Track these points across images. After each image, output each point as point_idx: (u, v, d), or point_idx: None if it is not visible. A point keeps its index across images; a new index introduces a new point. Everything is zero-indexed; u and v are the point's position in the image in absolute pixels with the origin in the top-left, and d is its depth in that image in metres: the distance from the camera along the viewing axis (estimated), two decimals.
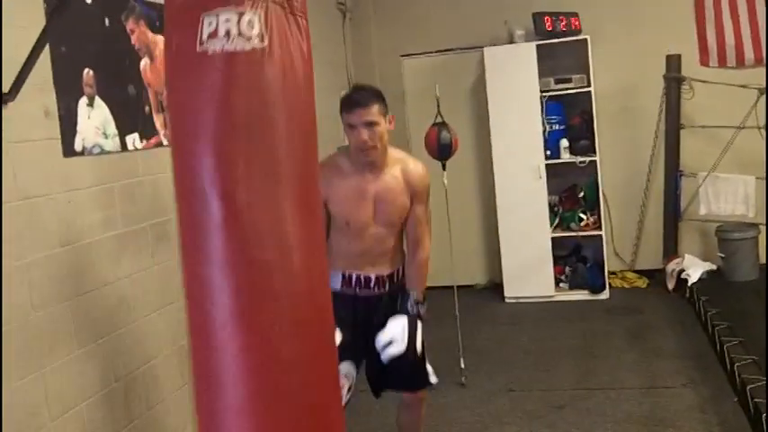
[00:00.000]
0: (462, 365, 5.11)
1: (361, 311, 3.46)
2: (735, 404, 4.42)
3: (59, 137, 3.41)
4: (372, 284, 3.45)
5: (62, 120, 3.42)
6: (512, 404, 4.81)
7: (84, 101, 3.56)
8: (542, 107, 6.98)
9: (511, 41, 7.09)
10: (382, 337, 3.18)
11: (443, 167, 5.23)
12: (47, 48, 3.20)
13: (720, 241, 6.71)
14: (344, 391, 3.22)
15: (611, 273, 7.28)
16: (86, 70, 3.59)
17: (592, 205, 7.18)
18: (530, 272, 7.09)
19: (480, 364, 5.36)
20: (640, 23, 7.07)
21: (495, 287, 7.47)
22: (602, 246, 7.10)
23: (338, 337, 2.76)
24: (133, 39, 3.98)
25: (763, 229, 6.55)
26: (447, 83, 7.40)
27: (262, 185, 2.02)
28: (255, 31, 2.01)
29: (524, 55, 6.92)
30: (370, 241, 3.33)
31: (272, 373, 2.03)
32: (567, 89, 6.98)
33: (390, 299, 3.47)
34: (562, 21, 6.87)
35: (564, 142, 7.05)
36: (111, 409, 3.66)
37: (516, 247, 7.11)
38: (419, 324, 3.31)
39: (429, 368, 3.56)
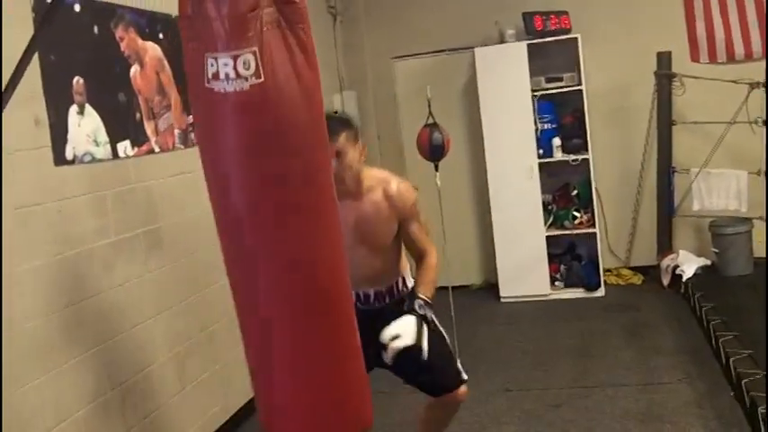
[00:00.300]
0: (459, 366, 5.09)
1: (366, 322, 3.43)
2: (731, 398, 4.42)
3: (50, 145, 3.41)
4: (372, 300, 3.46)
5: (52, 128, 3.42)
6: (509, 404, 4.81)
7: (74, 109, 3.56)
8: (534, 106, 6.98)
9: (501, 41, 7.09)
10: (387, 332, 3.12)
11: (436, 168, 5.23)
12: (36, 56, 3.20)
13: (714, 236, 6.73)
14: None
15: (606, 270, 7.28)
16: (76, 78, 3.59)
17: (585, 203, 7.18)
18: (525, 271, 7.09)
19: (477, 365, 5.35)
20: (630, 21, 7.08)
21: (491, 287, 7.47)
22: (596, 243, 7.10)
23: None
24: (123, 46, 3.98)
25: (756, 223, 6.56)
26: (438, 84, 7.41)
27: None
28: (252, 70, 2.18)
29: (515, 54, 6.92)
30: (359, 263, 3.28)
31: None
32: (558, 88, 6.98)
33: (396, 305, 3.43)
34: (552, 20, 6.88)
35: (556, 141, 7.05)
36: (107, 418, 3.66)
37: (511, 246, 7.11)
38: (425, 326, 3.24)
39: (459, 366, 3.56)
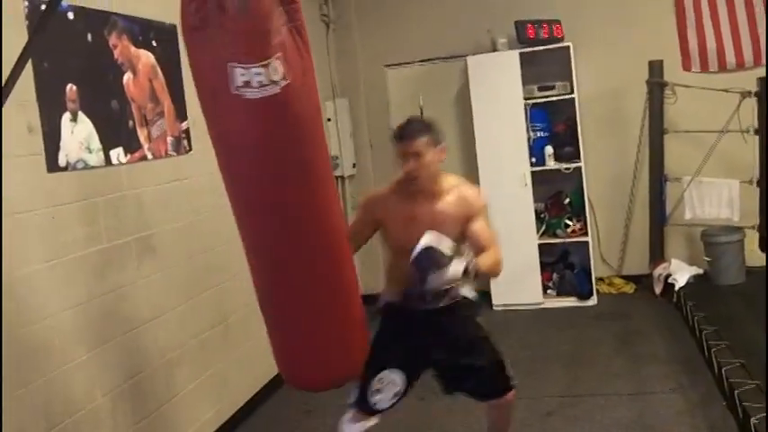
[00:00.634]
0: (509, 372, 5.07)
1: (422, 325, 3.55)
2: (723, 408, 4.43)
3: (43, 152, 3.40)
4: (429, 299, 3.50)
5: (46, 135, 3.41)
6: None
7: (67, 116, 3.55)
8: (526, 115, 7.00)
9: (494, 50, 7.11)
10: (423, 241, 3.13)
11: None
12: (29, 63, 3.20)
13: (706, 245, 6.74)
14: (390, 395, 3.47)
15: (598, 279, 7.29)
16: (69, 85, 3.58)
17: (578, 211, 7.19)
18: (517, 279, 7.08)
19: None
20: (623, 30, 7.10)
21: (483, 295, 7.46)
22: (588, 252, 7.11)
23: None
24: (116, 53, 3.98)
25: (748, 232, 6.58)
26: (431, 92, 7.43)
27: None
28: (280, 74, 2.36)
29: (507, 63, 6.94)
30: None
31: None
32: (550, 96, 7.00)
33: (450, 309, 3.57)
34: (545, 28, 6.89)
35: (549, 149, 7.06)
36: (96, 426, 3.65)
37: (503, 254, 7.07)
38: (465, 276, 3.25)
39: (509, 372, 3.63)
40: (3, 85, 2.53)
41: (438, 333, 3.55)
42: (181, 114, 4.55)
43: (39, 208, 3.37)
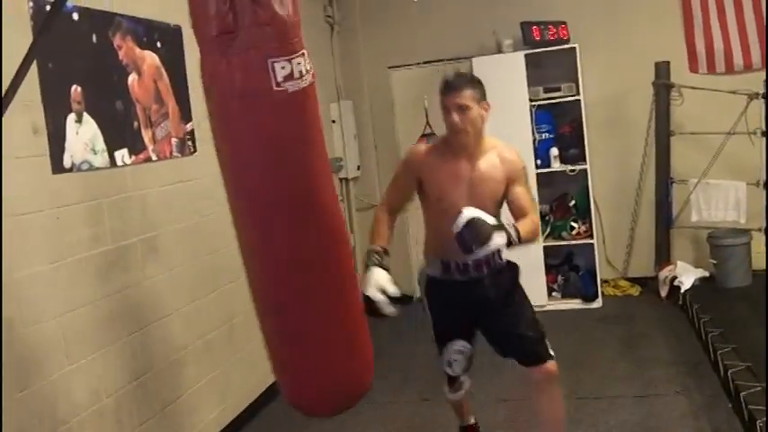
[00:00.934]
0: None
1: (466, 294, 3.59)
2: (728, 411, 4.40)
3: (48, 153, 3.41)
4: (471, 269, 3.55)
5: (50, 136, 3.41)
6: (504, 414, 4.80)
7: (72, 117, 3.56)
8: (532, 116, 6.99)
9: (499, 51, 7.10)
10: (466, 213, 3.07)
11: None
12: (34, 64, 3.20)
13: (712, 248, 6.72)
14: (463, 363, 3.74)
15: (603, 281, 7.26)
16: (74, 87, 3.59)
17: (583, 214, 7.18)
18: (522, 281, 7.06)
19: (472, 375, 5.33)
20: (629, 31, 7.09)
21: None
22: (593, 254, 7.09)
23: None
24: (120, 54, 3.98)
25: (755, 234, 6.56)
26: (436, 94, 7.33)
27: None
28: (308, 65, 2.44)
29: (513, 64, 6.93)
30: None
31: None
32: (556, 98, 6.98)
33: (493, 276, 3.61)
34: (550, 30, 6.88)
35: (554, 151, 7.05)
36: (101, 426, 3.65)
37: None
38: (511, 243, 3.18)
39: (547, 344, 3.73)
40: (8, 86, 2.53)
41: (481, 301, 3.60)
42: (185, 116, 4.55)
43: (43, 209, 3.37)
